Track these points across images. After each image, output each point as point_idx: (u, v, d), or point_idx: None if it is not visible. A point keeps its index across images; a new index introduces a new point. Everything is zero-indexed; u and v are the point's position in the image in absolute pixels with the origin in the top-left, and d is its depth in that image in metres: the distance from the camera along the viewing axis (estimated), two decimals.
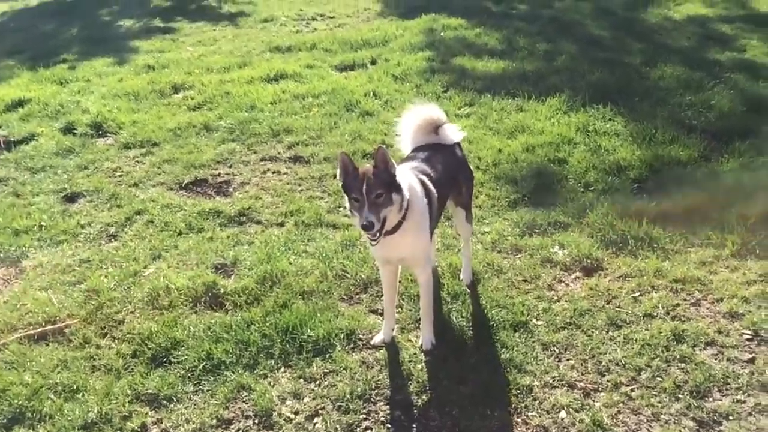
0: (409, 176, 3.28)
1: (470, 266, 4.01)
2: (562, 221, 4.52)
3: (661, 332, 3.45)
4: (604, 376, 3.24)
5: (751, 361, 3.25)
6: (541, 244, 4.29)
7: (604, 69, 7.04)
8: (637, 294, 3.79)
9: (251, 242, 4.50)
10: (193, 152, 5.83)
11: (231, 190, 5.27)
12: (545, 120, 6.02)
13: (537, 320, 3.64)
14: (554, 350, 3.42)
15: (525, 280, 3.99)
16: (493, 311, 3.70)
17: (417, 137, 3.77)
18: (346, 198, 3.14)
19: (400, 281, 3.95)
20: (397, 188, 3.09)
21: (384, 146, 3.11)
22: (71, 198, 5.20)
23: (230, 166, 5.61)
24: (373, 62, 7.93)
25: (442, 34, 8.74)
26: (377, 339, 3.57)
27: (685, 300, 3.73)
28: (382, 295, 3.66)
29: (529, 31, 8.70)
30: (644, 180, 4.92)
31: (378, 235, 3.04)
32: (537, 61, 7.52)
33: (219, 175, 5.49)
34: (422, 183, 3.35)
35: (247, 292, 3.95)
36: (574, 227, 4.46)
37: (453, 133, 3.84)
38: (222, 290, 3.99)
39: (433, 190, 3.41)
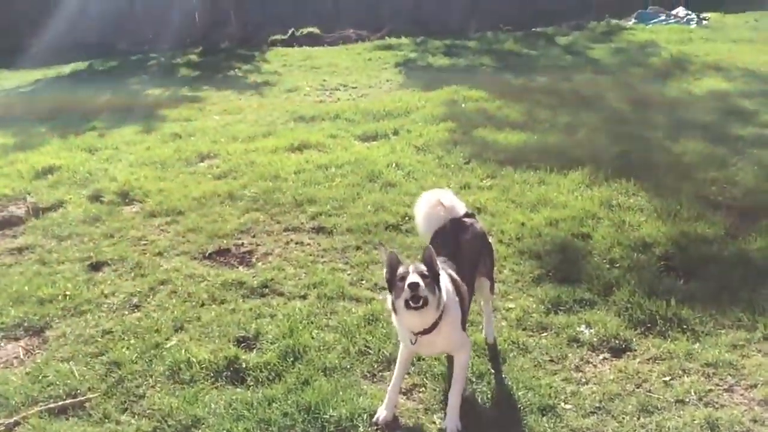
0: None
1: (492, 325, 4.07)
2: (588, 299, 4.46)
3: (694, 420, 3.34)
4: None
5: None
6: (567, 322, 4.22)
7: (626, 143, 7.09)
8: (667, 378, 3.69)
9: (273, 315, 4.47)
10: (217, 221, 5.88)
11: (254, 260, 5.28)
12: (568, 194, 6.03)
13: (565, 404, 3.53)
14: None
15: (551, 360, 3.91)
16: (519, 393, 3.61)
17: (431, 223, 3.90)
18: (390, 296, 3.27)
19: (423, 359, 3.89)
20: (439, 288, 3.22)
21: (431, 248, 3.27)
22: (96, 266, 5.24)
23: (253, 236, 5.65)
24: (396, 133, 8.04)
25: (463, 105, 8.90)
26: (381, 416, 3.46)
27: (717, 385, 3.62)
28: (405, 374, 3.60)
29: (549, 103, 8.83)
30: (671, 257, 4.86)
31: (421, 302, 3.12)
32: (558, 134, 7.60)
33: (242, 245, 5.52)
34: (452, 279, 3.44)
35: (269, 367, 3.90)
36: (601, 305, 4.39)
37: (458, 206, 3.95)
38: (244, 365, 3.95)
39: (463, 285, 3.50)
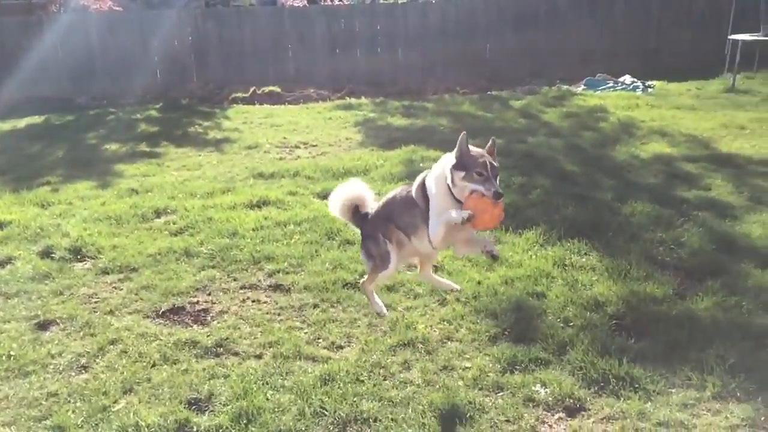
0: None
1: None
2: (543, 358, 4.51)
3: None
4: None
5: None
6: (522, 381, 4.25)
7: (577, 204, 7.30)
8: None
9: (227, 375, 4.39)
10: (172, 279, 5.80)
11: (209, 319, 5.20)
12: (522, 253, 6.15)
13: None
14: None
15: (508, 421, 3.92)
16: None
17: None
18: (459, 174, 3.84)
19: None
20: None
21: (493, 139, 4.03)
22: (44, 325, 5.08)
23: (209, 294, 5.58)
24: None
25: (421, 164, 9.04)
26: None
27: None
28: None
29: (504, 164, 9.02)
30: (622, 316, 4.97)
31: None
32: (513, 194, 7.77)
33: (197, 302, 5.44)
34: None
35: (221, 430, 3.81)
36: (555, 364, 4.44)
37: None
38: (195, 428, 3.85)
39: None
